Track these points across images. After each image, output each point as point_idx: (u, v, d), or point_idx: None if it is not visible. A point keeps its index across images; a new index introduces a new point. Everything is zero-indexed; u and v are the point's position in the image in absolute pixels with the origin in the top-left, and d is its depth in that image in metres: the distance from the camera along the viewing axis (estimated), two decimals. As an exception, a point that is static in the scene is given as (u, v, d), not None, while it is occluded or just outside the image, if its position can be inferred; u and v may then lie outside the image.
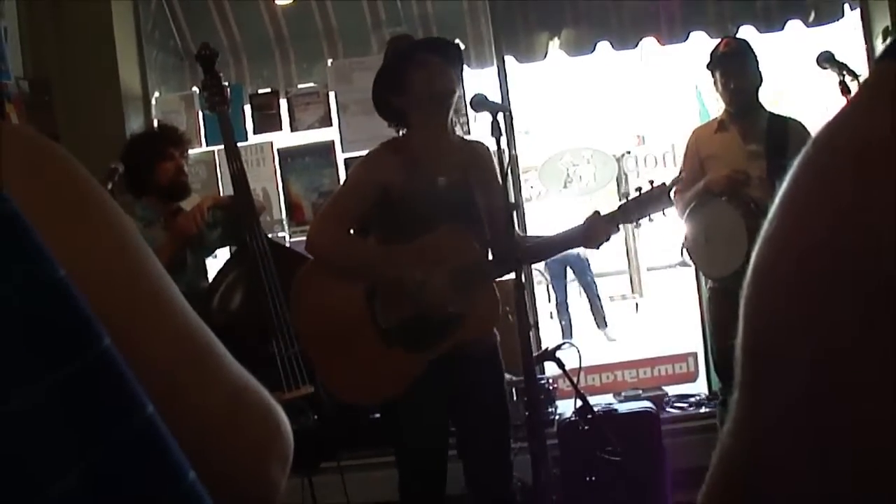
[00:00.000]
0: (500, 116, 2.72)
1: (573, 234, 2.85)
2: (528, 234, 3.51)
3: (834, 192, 0.48)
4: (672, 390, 4.86)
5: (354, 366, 2.91)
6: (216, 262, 3.88)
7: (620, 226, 2.84)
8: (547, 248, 3.02)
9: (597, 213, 2.82)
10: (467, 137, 3.13)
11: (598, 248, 2.85)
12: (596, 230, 2.78)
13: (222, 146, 3.71)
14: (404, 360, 2.85)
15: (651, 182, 2.83)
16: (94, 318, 0.49)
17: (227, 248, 3.82)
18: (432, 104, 2.88)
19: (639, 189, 2.82)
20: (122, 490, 0.46)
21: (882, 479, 0.44)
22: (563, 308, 9.35)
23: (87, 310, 0.49)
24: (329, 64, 4.85)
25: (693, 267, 4.29)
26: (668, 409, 4.60)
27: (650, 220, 2.84)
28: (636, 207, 2.80)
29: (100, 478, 0.45)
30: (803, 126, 3.81)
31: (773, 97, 4.07)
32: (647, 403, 4.26)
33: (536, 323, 4.69)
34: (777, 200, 0.50)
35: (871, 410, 0.44)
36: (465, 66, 4.52)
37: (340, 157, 4.69)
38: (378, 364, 2.88)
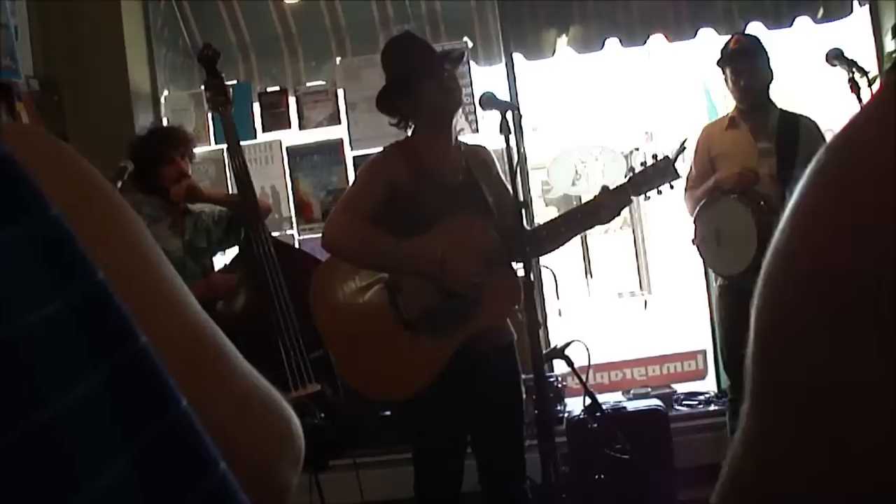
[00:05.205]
0: (508, 115, 2.73)
1: (586, 211, 2.91)
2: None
3: (845, 207, 0.48)
4: (681, 388, 4.85)
5: (379, 360, 2.92)
6: (219, 258, 3.89)
7: (633, 198, 2.93)
8: (563, 230, 2.98)
9: (605, 187, 2.90)
10: (469, 141, 3.15)
11: (609, 221, 2.93)
12: (607, 204, 2.86)
13: (230, 145, 3.72)
14: (430, 349, 2.85)
15: (655, 156, 2.92)
16: (131, 317, 0.49)
17: (233, 246, 3.83)
18: (441, 116, 2.93)
19: (643, 163, 2.91)
20: (159, 481, 0.47)
21: (892, 489, 0.44)
22: None
23: (125, 309, 0.49)
24: (337, 62, 4.85)
25: (703, 264, 4.27)
26: (676, 407, 4.59)
27: (658, 192, 2.93)
28: (643, 179, 2.90)
29: (139, 470, 0.46)
30: (815, 124, 3.78)
31: (782, 94, 4.03)
32: (656, 401, 4.26)
33: (545, 320, 4.70)
34: (788, 211, 0.50)
35: (879, 424, 0.44)
36: (470, 65, 4.56)
37: (349, 154, 4.69)
38: (404, 356, 2.88)
